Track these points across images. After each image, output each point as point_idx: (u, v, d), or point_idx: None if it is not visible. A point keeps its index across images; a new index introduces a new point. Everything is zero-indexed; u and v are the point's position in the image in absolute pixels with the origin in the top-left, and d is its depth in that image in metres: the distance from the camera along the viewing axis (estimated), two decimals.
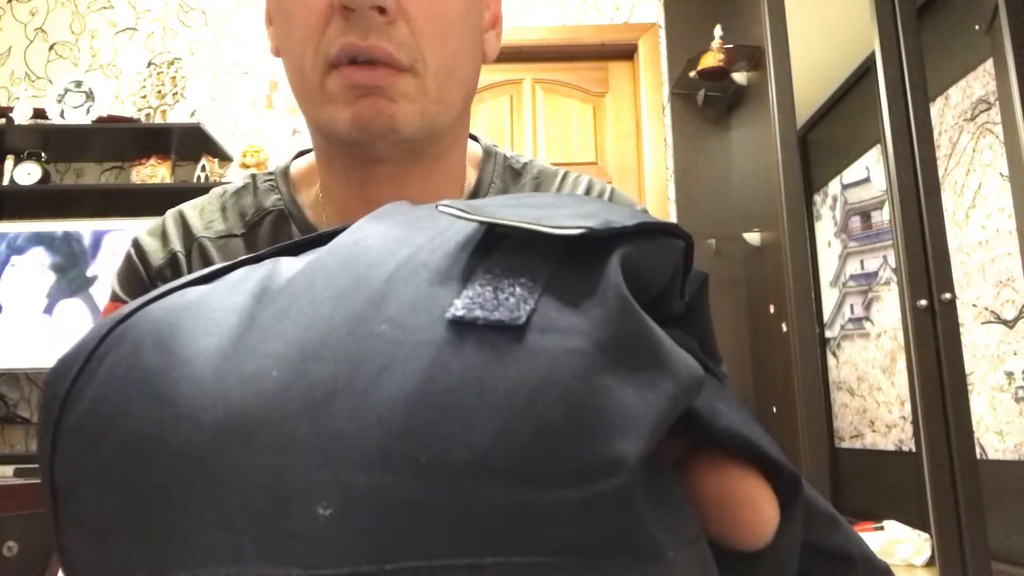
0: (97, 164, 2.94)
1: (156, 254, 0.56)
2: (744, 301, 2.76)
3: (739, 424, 0.20)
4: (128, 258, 0.57)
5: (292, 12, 0.48)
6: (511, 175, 0.61)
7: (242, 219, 0.57)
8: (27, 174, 2.68)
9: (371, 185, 0.52)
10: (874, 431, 2.96)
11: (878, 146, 2.82)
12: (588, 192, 0.61)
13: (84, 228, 2.62)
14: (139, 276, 0.56)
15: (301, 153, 0.61)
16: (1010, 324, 2.33)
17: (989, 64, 2.33)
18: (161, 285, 0.27)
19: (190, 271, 0.54)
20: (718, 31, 2.72)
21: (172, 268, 0.56)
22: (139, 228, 0.59)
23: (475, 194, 0.58)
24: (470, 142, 0.60)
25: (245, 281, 0.21)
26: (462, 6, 0.49)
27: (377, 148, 0.49)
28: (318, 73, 0.47)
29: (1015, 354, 2.31)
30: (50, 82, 2.91)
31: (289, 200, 0.57)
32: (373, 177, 0.52)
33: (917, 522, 2.51)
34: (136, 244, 0.57)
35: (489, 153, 0.61)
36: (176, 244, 0.56)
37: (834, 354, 3.26)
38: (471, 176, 0.59)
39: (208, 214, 0.57)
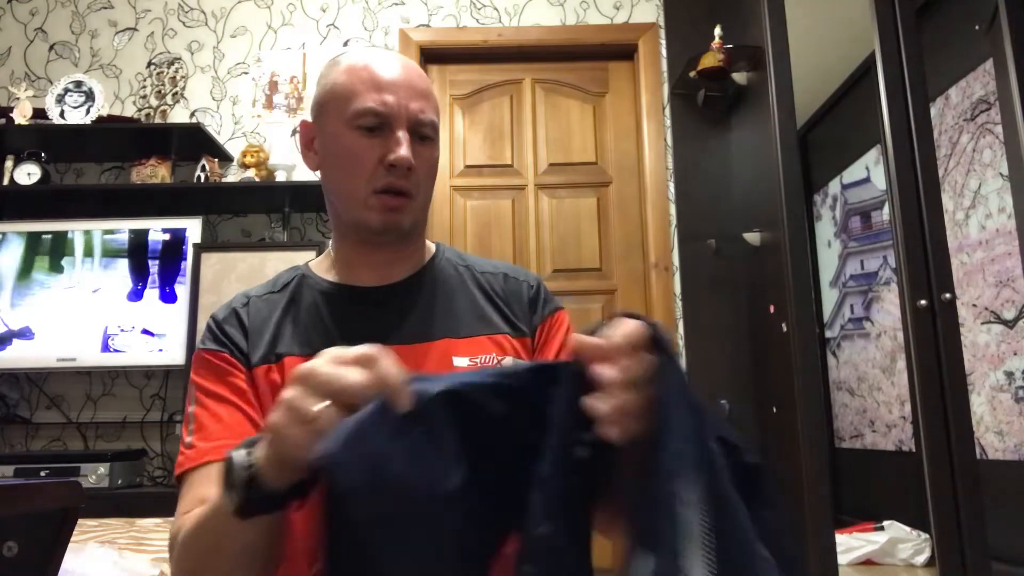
0: (97, 164, 2.93)
1: (221, 312, 0.90)
2: (744, 301, 2.76)
3: None
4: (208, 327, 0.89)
5: (354, 159, 0.84)
6: (455, 254, 0.98)
7: (278, 283, 0.94)
8: (27, 174, 2.68)
9: (375, 255, 0.90)
10: (874, 431, 2.96)
11: (878, 146, 2.82)
12: (522, 281, 0.96)
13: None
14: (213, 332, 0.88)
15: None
16: (1010, 324, 2.33)
17: (989, 64, 2.34)
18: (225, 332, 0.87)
19: (246, 319, 0.89)
20: (718, 31, 2.72)
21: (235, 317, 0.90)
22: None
23: (434, 257, 0.96)
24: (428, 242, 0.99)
25: None
26: (436, 163, 0.90)
27: (387, 237, 0.87)
28: (365, 194, 0.84)
29: (1015, 354, 2.31)
30: (50, 82, 2.90)
31: (306, 268, 0.95)
32: (377, 250, 0.90)
33: (917, 522, 2.50)
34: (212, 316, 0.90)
35: (439, 244, 0.99)
36: (237, 304, 0.90)
37: (834, 354, 3.26)
38: (431, 248, 0.97)
39: (262, 287, 0.93)
